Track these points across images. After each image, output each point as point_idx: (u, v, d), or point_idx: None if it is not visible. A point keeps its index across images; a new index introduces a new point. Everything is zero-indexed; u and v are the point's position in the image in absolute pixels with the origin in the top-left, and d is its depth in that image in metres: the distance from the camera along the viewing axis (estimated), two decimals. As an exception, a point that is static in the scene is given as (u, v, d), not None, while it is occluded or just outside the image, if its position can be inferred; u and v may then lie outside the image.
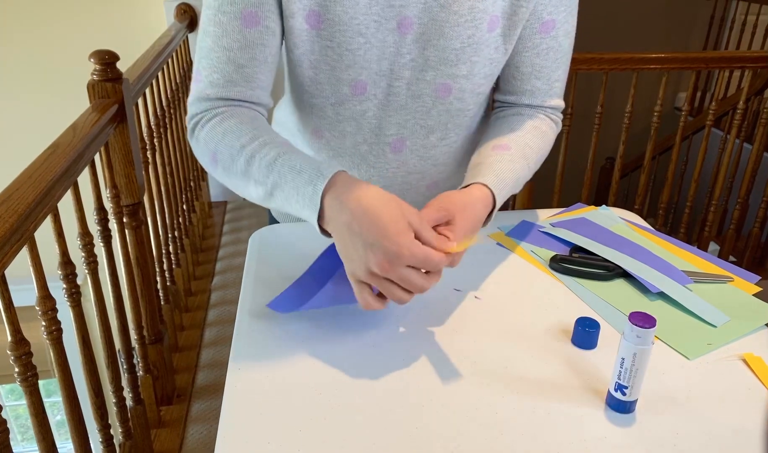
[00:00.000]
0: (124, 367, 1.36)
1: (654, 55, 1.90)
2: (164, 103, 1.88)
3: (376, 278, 0.55)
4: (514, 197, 2.09)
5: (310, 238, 0.73)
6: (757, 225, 2.28)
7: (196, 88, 0.69)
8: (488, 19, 0.69)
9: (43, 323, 0.94)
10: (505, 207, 0.93)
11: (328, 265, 0.63)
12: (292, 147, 0.65)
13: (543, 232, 0.81)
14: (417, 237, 0.56)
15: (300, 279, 0.65)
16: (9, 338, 0.82)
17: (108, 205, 1.28)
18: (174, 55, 2.15)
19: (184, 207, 2.21)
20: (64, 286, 1.03)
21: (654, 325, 0.49)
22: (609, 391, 0.53)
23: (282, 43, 0.72)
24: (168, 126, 1.92)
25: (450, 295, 0.68)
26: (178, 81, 2.15)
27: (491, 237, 0.80)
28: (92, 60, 1.27)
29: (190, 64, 2.47)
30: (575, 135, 2.21)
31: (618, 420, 0.52)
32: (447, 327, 0.63)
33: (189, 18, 2.44)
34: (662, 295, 0.68)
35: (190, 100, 0.70)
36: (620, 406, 0.52)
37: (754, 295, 0.69)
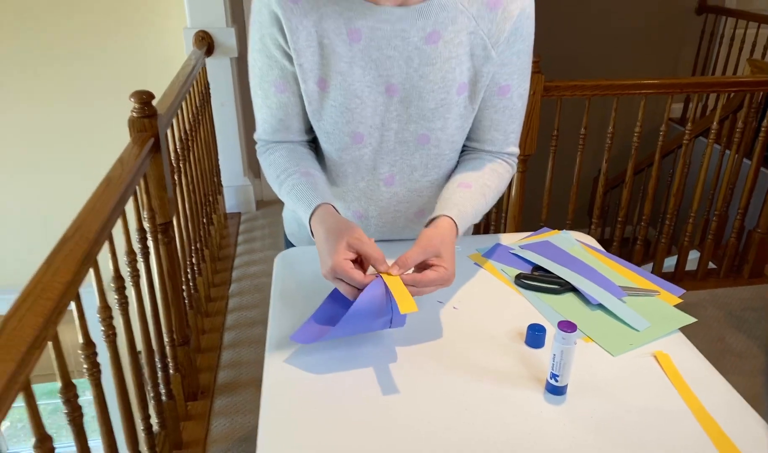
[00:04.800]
0: (159, 365, 1.56)
1: (632, 82, 2.08)
2: (187, 128, 2.08)
3: (328, 278, 0.78)
4: (505, 212, 2.28)
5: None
6: (734, 235, 2.45)
7: (256, 130, 0.98)
8: (457, 86, 0.88)
9: (102, 328, 1.13)
10: (487, 228, 1.12)
11: (341, 299, 0.81)
12: (304, 177, 0.89)
13: (512, 253, 1.00)
14: (360, 252, 0.77)
15: (317, 312, 0.81)
16: (80, 340, 1.02)
17: (146, 225, 1.48)
18: (194, 82, 2.34)
19: (204, 220, 2.40)
20: (116, 297, 1.22)
21: (575, 330, 0.67)
22: (547, 379, 0.71)
23: None
24: (191, 148, 2.12)
25: (434, 306, 0.87)
26: (198, 104, 2.35)
27: (470, 257, 0.99)
28: (132, 100, 1.46)
29: (208, 86, 2.67)
30: (572, 152, 2.39)
31: (552, 400, 0.70)
32: (429, 332, 0.82)
33: (207, 44, 2.64)
34: (600, 306, 0.86)
35: (255, 135, 0.98)
36: (554, 390, 0.71)
37: (674, 305, 0.87)
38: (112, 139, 2.84)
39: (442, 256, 0.78)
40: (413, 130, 0.92)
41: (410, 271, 0.79)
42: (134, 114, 1.47)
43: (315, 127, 0.94)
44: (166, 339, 1.63)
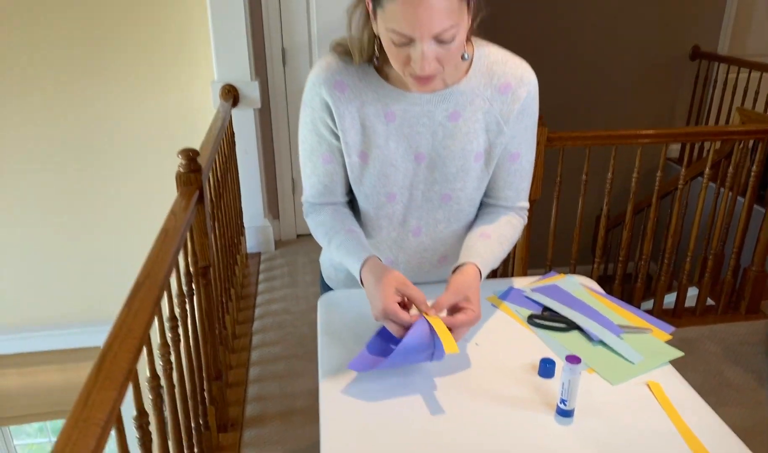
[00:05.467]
0: (198, 399, 1.69)
1: (629, 132, 2.26)
2: (219, 176, 2.26)
3: (379, 318, 0.93)
4: (513, 255, 2.43)
5: (360, 300, 1.08)
6: (730, 272, 2.59)
7: (304, 194, 1.14)
8: (474, 154, 1.05)
9: (160, 363, 1.28)
10: (504, 272, 1.27)
11: (390, 334, 0.95)
12: (350, 234, 1.05)
13: (524, 296, 1.15)
14: (406, 295, 0.92)
15: (370, 344, 0.96)
16: (147, 374, 1.17)
17: (191, 269, 1.64)
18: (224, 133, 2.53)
19: (230, 261, 2.56)
20: (170, 335, 1.37)
21: (580, 363, 0.82)
22: (557, 404, 0.86)
23: None
24: (222, 195, 2.29)
25: (460, 343, 1.01)
26: (227, 153, 2.53)
27: (488, 299, 1.14)
28: (180, 156, 1.64)
29: (233, 135, 2.87)
30: (575, 195, 2.54)
31: (562, 422, 0.85)
32: (457, 365, 0.96)
33: (233, 97, 2.84)
34: (601, 342, 1.01)
35: (303, 197, 1.15)
36: (564, 413, 0.85)
37: (666, 341, 1.02)
38: (149, 186, 3.05)
39: (471, 300, 0.94)
40: (437, 190, 1.09)
41: (444, 313, 0.94)
42: (181, 169, 1.64)
43: (355, 191, 1.10)
44: (204, 374, 1.76)
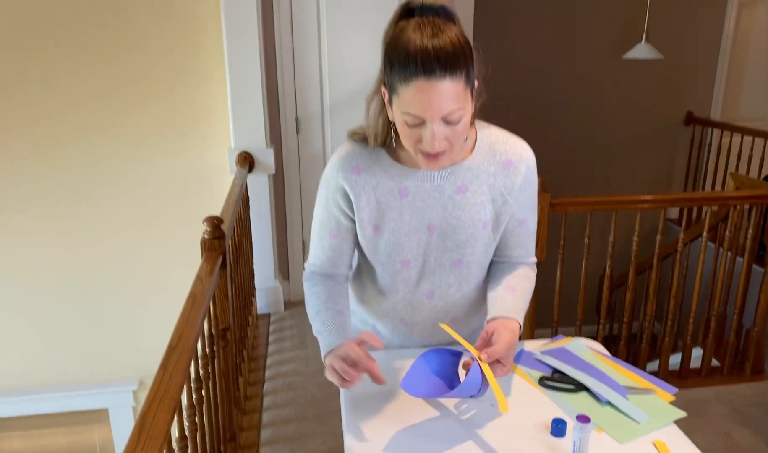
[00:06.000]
0: (216, 459, 1.73)
1: (628, 198, 2.37)
2: (236, 241, 2.35)
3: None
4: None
5: (381, 358, 1.14)
6: (733, 333, 2.64)
7: (308, 260, 1.24)
8: (482, 223, 1.16)
9: (187, 424, 1.33)
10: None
11: (433, 362, 1.07)
12: (338, 315, 1.15)
13: (535, 359, 1.22)
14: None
15: (417, 364, 1.06)
16: (176, 434, 1.22)
17: (213, 331, 1.71)
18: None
19: (243, 322, 2.62)
20: (195, 397, 1.43)
21: (589, 422, 0.88)
22: (570, 462, 0.91)
23: (355, 244, 1.21)
24: (238, 259, 2.39)
25: (475, 403, 1.08)
26: (243, 217, 2.64)
27: (500, 362, 1.21)
28: (205, 224, 1.74)
29: (247, 200, 2.98)
30: (578, 257, 2.62)
31: (575, 478, 0.90)
32: (476, 424, 1.02)
33: (248, 163, 2.97)
34: (609, 402, 1.07)
35: (306, 263, 1.25)
36: (576, 470, 0.91)
37: (669, 402, 1.08)
38: (160, 249, 3.15)
39: (510, 357, 1.03)
40: (449, 256, 1.18)
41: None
42: (206, 235, 1.74)
43: (371, 259, 1.20)
44: (220, 435, 1.80)
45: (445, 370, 1.08)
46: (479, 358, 0.99)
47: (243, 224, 2.71)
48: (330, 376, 1.05)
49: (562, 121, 4.55)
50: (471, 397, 1.01)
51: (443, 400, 1.09)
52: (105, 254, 3.19)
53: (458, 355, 1.09)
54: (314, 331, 1.16)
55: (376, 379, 1.02)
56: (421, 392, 1.04)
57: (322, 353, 1.10)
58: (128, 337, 3.33)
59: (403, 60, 0.96)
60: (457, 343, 1.06)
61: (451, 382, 1.08)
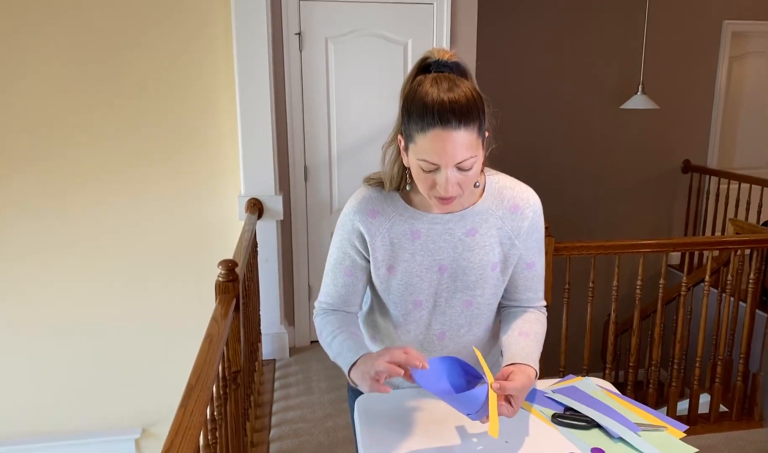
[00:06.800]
0: (225, 505, 1.71)
1: (630, 242, 2.42)
2: (246, 285, 2.39)
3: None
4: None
5: (392, 399, 1.17)
6: (740, 378, 2.64)
7: (319, 298, 1.28)
8: (491, 264, 1.20)
9: (202, 465, 1.34)
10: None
11: (447, 371, 1.09)
12: (353, 336, 1.18)
13: (547, 397, 1.24)
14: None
15: (441, 361, 1.09)
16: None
17: (226, 373, 1.72)
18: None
19: (251, 367, 2.63)
20: (210, 438, 1.44)
21: (604, 455, 0.91)
22: (586, 496, 0.93)
23: (366, 284, 1.26)
24: (247, 303, 2.42)
25: (491, 441, 1.10)
26: (251, 261, 2.68)
27: (512, 400, 1.23)
28: (220, 267, 1.78)
29: (255, 245, 3.03)
30: (583, 301, 2.65)
31: (592, 513, 0.92)
32: (490, 460, 1.04)
33: (257, 210, 3.04)
34: (621, 439, 1.09)
35: (317, 301, 1.28)
36: (592, 504, 0.92)
37: (680, 438, 1.10)
38: (175, 298, 3.18)
39: (519, 399, 1.06)
40: (459, 297, 1.22)
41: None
42: (221, 278, 1.78)
43: (384, 299, 1.24)
44: (229, 479, 1.79)
45: (460, 383, 1.10)
46: (491, 386, 1.02)
47: (252, 269, 2.75)
48: (361, 384, 1.07)
49: (564, 168, 4.66)
50: (467, 414, 1.03)
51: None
52: (108, 304, 3.22)
53: (479, 378, 1.11)
54: (332, 356, 1.19)
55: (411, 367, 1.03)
56: (427, 384, 1.06)
57: (346, 369, 1.12)
58: (131, 385, 3.32)
59: (421, 111, 1.03)
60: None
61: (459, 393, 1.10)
